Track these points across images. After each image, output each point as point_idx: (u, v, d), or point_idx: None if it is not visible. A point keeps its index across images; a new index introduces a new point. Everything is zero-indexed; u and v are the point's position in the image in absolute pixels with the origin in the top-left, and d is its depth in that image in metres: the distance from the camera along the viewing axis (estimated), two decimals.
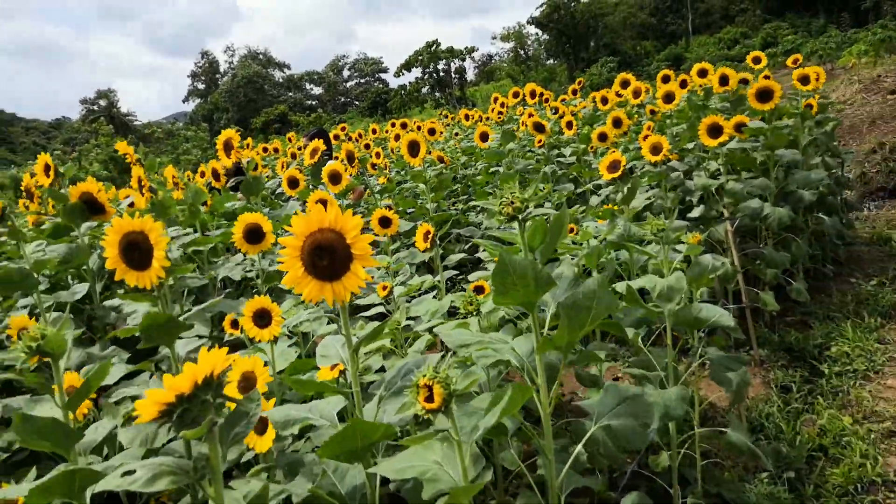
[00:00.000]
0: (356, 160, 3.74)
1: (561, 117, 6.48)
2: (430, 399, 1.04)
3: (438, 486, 1.14)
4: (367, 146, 8.66)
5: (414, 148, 3.82)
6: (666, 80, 5.31)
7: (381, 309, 2.87)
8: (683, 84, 5.04)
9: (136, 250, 1.67)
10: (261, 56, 76.94)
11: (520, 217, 1.25)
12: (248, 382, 1.73)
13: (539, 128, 5.40)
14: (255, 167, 3.38)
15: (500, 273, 1.19)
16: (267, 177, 7.47)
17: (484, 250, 3.78)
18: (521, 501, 1.55)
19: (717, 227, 3.84)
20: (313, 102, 76.92)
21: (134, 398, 1.89)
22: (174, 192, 3.28)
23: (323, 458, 1.17)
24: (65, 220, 2.95)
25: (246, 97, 67.96)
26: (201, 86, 79.14)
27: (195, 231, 3.32)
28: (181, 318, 1.72)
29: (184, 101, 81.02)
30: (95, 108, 67.87)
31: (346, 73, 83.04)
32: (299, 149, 7.69)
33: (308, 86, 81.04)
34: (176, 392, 0.82)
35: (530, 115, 5.86)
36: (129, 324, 2.66)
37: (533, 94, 6.85)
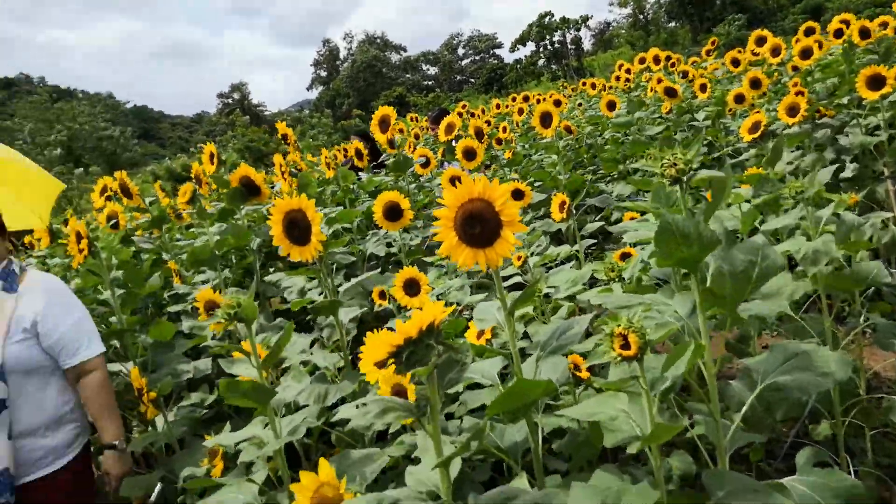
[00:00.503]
0: (485, 135, 3.80)
1: (690, 81, 6.20)
2: (625, 347, 1.10)
3: (620, 435, 1.20)
4: (487, 123, 8.73)
5: (546, 119, 3.83)
6: (810, 32, 4.94)
7: (518, 279, 2.93)
8: (839, 33, 4.66)
9: (296, 227, 1.83)
10: (378, 40, 78.88)
11: (683, 179, 1.25)
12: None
13: (671, 93, 5.21)
14: (402, 144, 3.54)
15: (662, 233, 1.21)
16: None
17: (617, 223, 3.73)
18: (675, 460, 1.56)
19: (876, 187, 3.56)
20: (430, 82, 77.99)
21: (304, 363, 2.07)
22: (326, 171, 3.52)
23: (489, 415, 1.25)
24: (228, 204, 3.24)
25: (365, 81, 70.03)
26: (323, 73, 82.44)
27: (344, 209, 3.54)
28: (340, 290, 1.88)
29: (308, 89, 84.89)
30: (230, 101, 72.56)
31: (460, 51, 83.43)
32: (423, 129, 7.87)
33: (424, 66, 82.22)
34: (405, 336, 0.94)
35: (659, 81, 5.66)
36: (288, 297, 2.90)
37: (658, 60, 6.60)
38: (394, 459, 1.67)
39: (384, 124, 3.50)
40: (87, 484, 2.35)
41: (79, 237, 2.36)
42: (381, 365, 1.77)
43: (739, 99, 4.58)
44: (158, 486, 2.20)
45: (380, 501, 1.06)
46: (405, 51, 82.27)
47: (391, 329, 2.37)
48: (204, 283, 3.35)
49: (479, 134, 3.71)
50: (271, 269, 3.69)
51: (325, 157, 3.79)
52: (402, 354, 0.97)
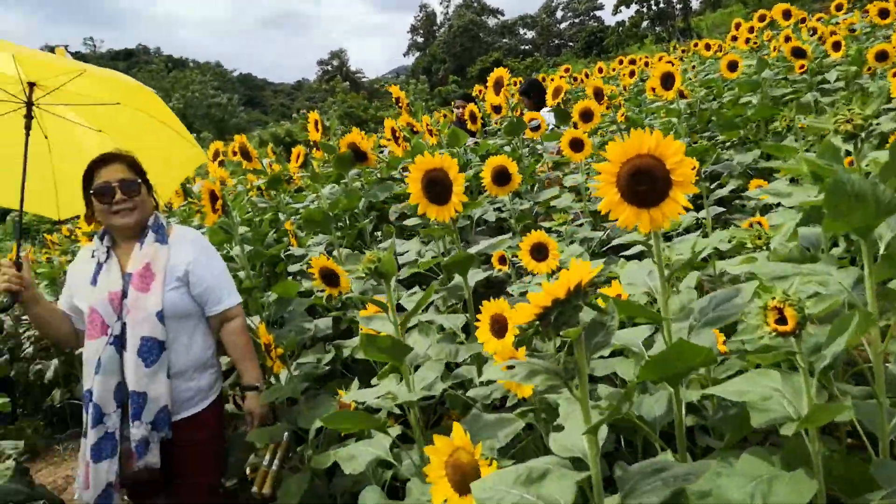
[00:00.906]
0: (605, 97, 3.65)
1: (820, 39, 5.72)
2: (781, 321, 1.01)
3: (772, 415, 1.11)
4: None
5: (668, 80, 3.64)
6: None
7: (641, 248, 2.82)
8: None
9: (438, 185, 1.82)
10: (475, 4, 77.90)
11: (861, 135, 1.13)
12: (500, 326, 1.78)
13: (799, 53, 4.83)
14: (515, 107, 3.47)
15: (834, 193, 1.10)
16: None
17: (738, 191, 3.52)
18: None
19: None
20: (527, 47, 76.48)
21: (429, 322, 2.08)
22: (429, 138, 3.50)
23: (641, 379, 1.19)
24: (336, 169, 3.29)
25: (462, 46, 69.54)
26: (420, 39, 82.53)
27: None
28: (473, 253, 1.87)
29: (404, 55, 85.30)
30: (329, 68, 74.08)
31: (559, 14, 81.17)
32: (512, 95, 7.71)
33: (521, 30, 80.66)
34: (552, 297, 0.89)
35: (787, 39, 5.26)
36: (400, 261, 2.93)
37: (788, 14, 6.13)
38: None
39: (498, 86, 3.44)
40: (222, 424, 2.52)
41: (213, 197, 2.47)
42: (502, 333, 1.75)
43: (882, 56, 4.19)
44: (286, 435, 2.32)
45: (530, 470, 1.03)
46: (502, 14, 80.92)
47: (509, 295, 2.34)
48: (318, 245, 3.44)
49: (598, 94, 3.57)
50: (377, 233, 3.75)
51: (427, 124, 3.77)
52: (549, 316, 0.93)
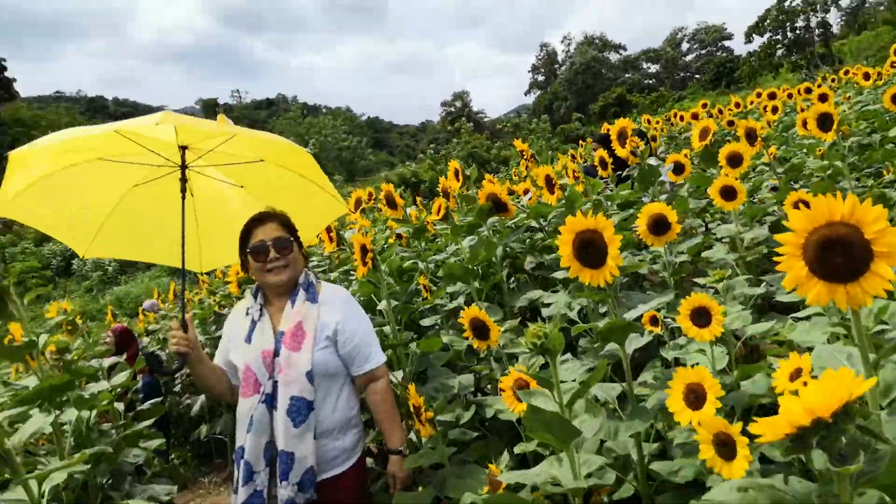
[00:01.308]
0: (758, 138, 3.42)
1: None
2: None
3: None
4: (730, 123, 8.01)
5: (826, 121, 3.35)
6: None
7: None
8: None
9: (590, 248, 1.73)
10: (597, 41, 77.42)
11: None
12: (696, 396, 1.62)
13: None
14: (645, 154, 3.32)
15: None
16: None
17: None
18: None
19: None
20: (651, 81, 74.79)
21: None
22: (575, 185, 3.41)
23: None
24: (476, 220, 3.29)
25: (584, 83, 69.12)
26: (541, 77, 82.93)
27: None
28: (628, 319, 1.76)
29: (525, 94, 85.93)
30: (452, 109, 75.90)
31: (684, 46, 78.91)
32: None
33: (645, 65, 79.10)
34: (813, 416, 0.76)
35: None
36: (545, 313, 2.84)
37: None
38: None
39: (622, 137, 3.31)
40: (365, 483, 2.51)
41: (363, 250, 2.53)
42: (699, 404, 1.60)
43: None
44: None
45: None
46: (624, 49, 79.72)
47: (661, 359, 2.17)
48: (452, 295, 3.43)
49: (750, 136, 3.35)
50: (511, 282, 3.69)
51: (571, 168, 3.69)
52: (808, 439, 0.79)
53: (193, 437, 6.92)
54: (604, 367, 1.51)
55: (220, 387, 2.46)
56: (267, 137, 2.50)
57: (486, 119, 76.11)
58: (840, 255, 1.07)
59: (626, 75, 74.96)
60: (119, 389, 2.92)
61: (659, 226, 2.62)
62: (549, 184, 3.14)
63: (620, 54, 79.17)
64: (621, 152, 3.29)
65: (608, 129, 6.64)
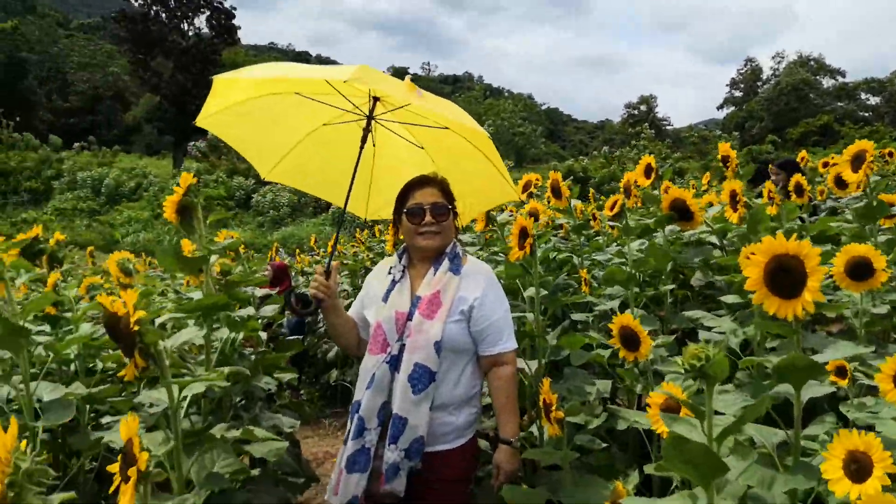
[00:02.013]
0: None
1: None
2: None
3: None
4: None
5: None
6: None
7: None
8: None
9: (786, 275, 1.50)
10: (811, 62, 70.82)
11: None
12: (859, 466, 1.36)
13: None
14: (878, 187, 2.91)
15: None
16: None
17: None
18: None
19: None
20: (867, 114, 67.31)
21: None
22: (769, 207, 3.05)
23: None
24: (653, 224, 3.05)
25: (786, 105, 63.67)
26: (738, 93, 77.53)
27: None
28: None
29: (718, 109, 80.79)
30: (636, 112, 73.19)
31: None
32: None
33: (863, 95, 71.26)
34: None
35: None
36: (702, 336, 2.59)
37: None
38: None
39: (859, 161, 2.89)
40: (472, 468, 2.43)
41: (523, 234, 2.42)
42: (861, 476, 1.36)
43: None
44: None
45: None
46: (842, 76, 72.21)
47: (837, 414, 1.88)
48: (609, 296, 3.23)
49: None
50: (668, 299, 3.41)
51: (768, 188, 3.31)
52: None
53: (324, 379, 7.29)
54: (766, 405, 1.29)
55: (349, 338, 2.47)
56: (455, 109, 2.47)
57: (669, 127, 72.67)
58: None
59: (839, 104, 67.96)
60: (266, 320, 3.06)
61: (860, 270, 2.27)
62: (734, 199, 2.83)
63: (836, 80, 71.92)
64: (852, 177, 2.89)
65: (802, 157, 5.97)
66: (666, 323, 3.06)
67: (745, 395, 2.00)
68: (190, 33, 49.33)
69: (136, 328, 1.48)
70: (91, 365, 2.53)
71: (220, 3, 50.04)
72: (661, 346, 2.47)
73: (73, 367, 2.55)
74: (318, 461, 5.28)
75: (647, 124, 48.54)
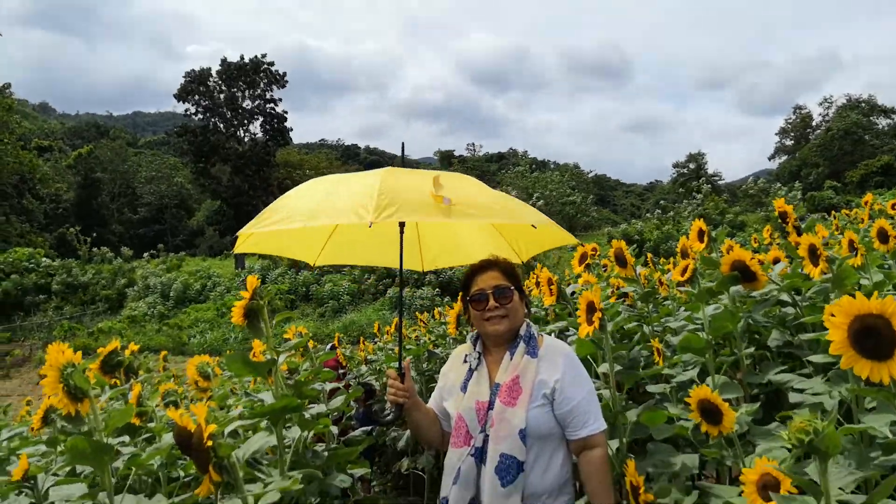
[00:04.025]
0: None
1: None
2: None
3: None
4: None
5: None
6: None
7: None
8: None
9: (875, 337, 1.42)
10: (862, 104, 69.38)
11: None
12: None
13: None
14: None
15: None
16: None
17: None
18: None
19: None
20: None
21: None
22: (852, 259, 2.91)
23: None
24: (717, 287, 2.96)
25: (841, 150, 62.17)
26: (789, 142, 76.26)
27: None
28: None
29: (769, 159, 79.47)
30: (685, 170, 72.57)
31: None
32: None
33: None
34: None
35: None
36: (792, 399, 2.45)
37: None
38: None
39: None
40: None
41: (590, 308, 2.38)
42: None
43: None
44: None
45: None
46: None
47: None
48: (685, 364, 3.11)
49: None
50: (747, 361, 3.26)
51: (849, 238, 3.19)
52: None
53: (395, 468, 7.15)
54: (891, 486, 1.19)
55: (432, 433, 2.42)
56: (493, 202, 2.59)
57: (720, 182, 71.55)
58: None
59: None
60: (336, 413, 3.06)
61: None
62: (814, 254, 2.73)
63: (892, 119, 70.05)
64: None
65: (866, 201, 5.74)
66: (747, 387, 2.92)
67: (849, 464, 1.86)
68: (246, 139, 52.16)
69: (210, 443, 1.50)
70: (172, 473, 2.56)
71: (273, 109, 52.99)
72: (745, 414, 2.35)
73: (152, 476, 2.59)
74: None
75: (703, 179, 47.87)
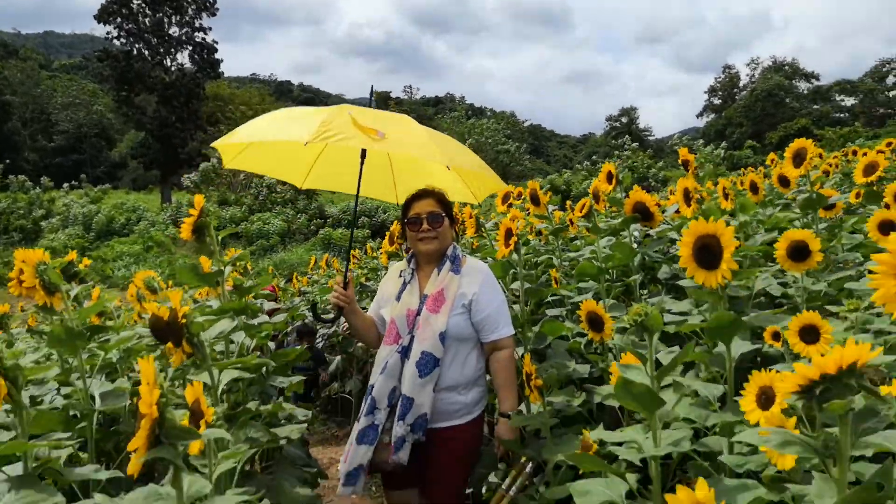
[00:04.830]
0: None
1: None
2: None
3: None
4: None
5: None
6: None
7: None
8: None
9: (709, 251, 1.85)
10: (786, 67, 72.24)
11: None
12: (766, 397, 1.69)
13: None
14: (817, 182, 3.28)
15: None
16: None
17: None
18: None
19: None
20: (843, 115, 68.55)
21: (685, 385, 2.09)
22: (723, 202, 3.43)
23: None
24: (619, 225, 3.41)
25: (763, 111, 64.86)
26: (717, 101, 78.87)
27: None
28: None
29: (697, 117, 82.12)
30: (618, 124, 74.28)
31: (890, 79, 71.47)
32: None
33: (838, 97, 72.63)
34: (821, 371, 0.91)
35: None
36: (667, 319, 2.93)
37: None
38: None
39: (798, 158, 3.27)
40: (478, 441, 2.80)
41: (508, 233, 2.80)
42: (768, 405, 1.70)
43: None
44: (529, 465, 2.49)
45: None
46: (817, 79, 73.67)
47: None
48: (585, 292, 3.57)
49: None
50: (643, 291, 3.76)
51: (725, 188, 3.69)
52: (814, 390, 0.94)
53: (325, 393, 7.56)
54: (690, 349, 1.63)
55: (370, 335, 2.85)
56: (422, 140, 2.86)
57: (651, 138, 73.69)
58: None
59: (815, 106, 69.23)
60: (273, 331, 3.37)
61: (799, 252, 2.61)
62: (686, 197, 3.20)
63: (812, 83, 73.35)
64: (792, 173, 3.25)
65: (773, 160, 6.34)
66: None
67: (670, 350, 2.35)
68: (173, 69, 49.76)
69: (184, 321, 1.81)
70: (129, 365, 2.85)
71: (202, 38, 50.62)
72: (626, 329, 2.80)
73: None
74: (324, 466, 5.55)
75: (628, 136, 49.31)
